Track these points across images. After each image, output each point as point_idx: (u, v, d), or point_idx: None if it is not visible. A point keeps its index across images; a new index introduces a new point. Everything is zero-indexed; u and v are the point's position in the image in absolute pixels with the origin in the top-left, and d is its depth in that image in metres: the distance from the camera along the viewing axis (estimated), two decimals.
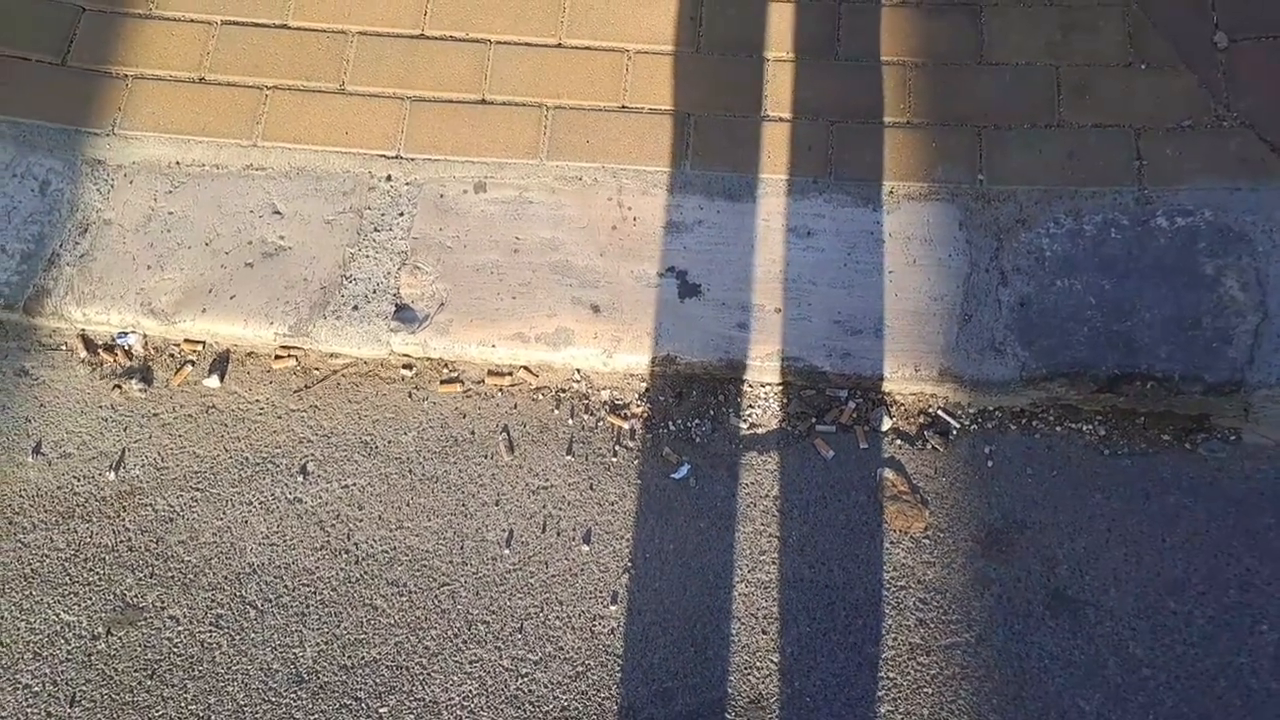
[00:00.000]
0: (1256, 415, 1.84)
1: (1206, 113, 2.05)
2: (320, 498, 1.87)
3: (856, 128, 2.10)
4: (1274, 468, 1.84)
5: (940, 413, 1.92)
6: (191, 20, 2.24)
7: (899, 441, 1.90)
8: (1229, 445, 1.86)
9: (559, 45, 2.21)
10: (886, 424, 1.91)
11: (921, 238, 2.00)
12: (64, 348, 2.02)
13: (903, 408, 1.93)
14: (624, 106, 2.14)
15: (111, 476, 1.89)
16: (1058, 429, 1.90)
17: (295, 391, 1.98)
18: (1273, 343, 1.83)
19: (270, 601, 1.78)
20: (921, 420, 1.92)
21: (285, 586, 1.79)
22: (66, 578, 1.80)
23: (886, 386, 1.92)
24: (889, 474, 1.87)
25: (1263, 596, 1.74)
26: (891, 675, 1.70)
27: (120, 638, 1.75)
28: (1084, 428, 1.90)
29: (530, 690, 1.70)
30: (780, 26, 2.19)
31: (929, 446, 1.89)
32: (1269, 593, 1.74)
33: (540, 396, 1.97)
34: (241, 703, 1.70)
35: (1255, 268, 1.90)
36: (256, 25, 2.24)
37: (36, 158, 2.12)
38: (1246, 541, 1.78)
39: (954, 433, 1.91)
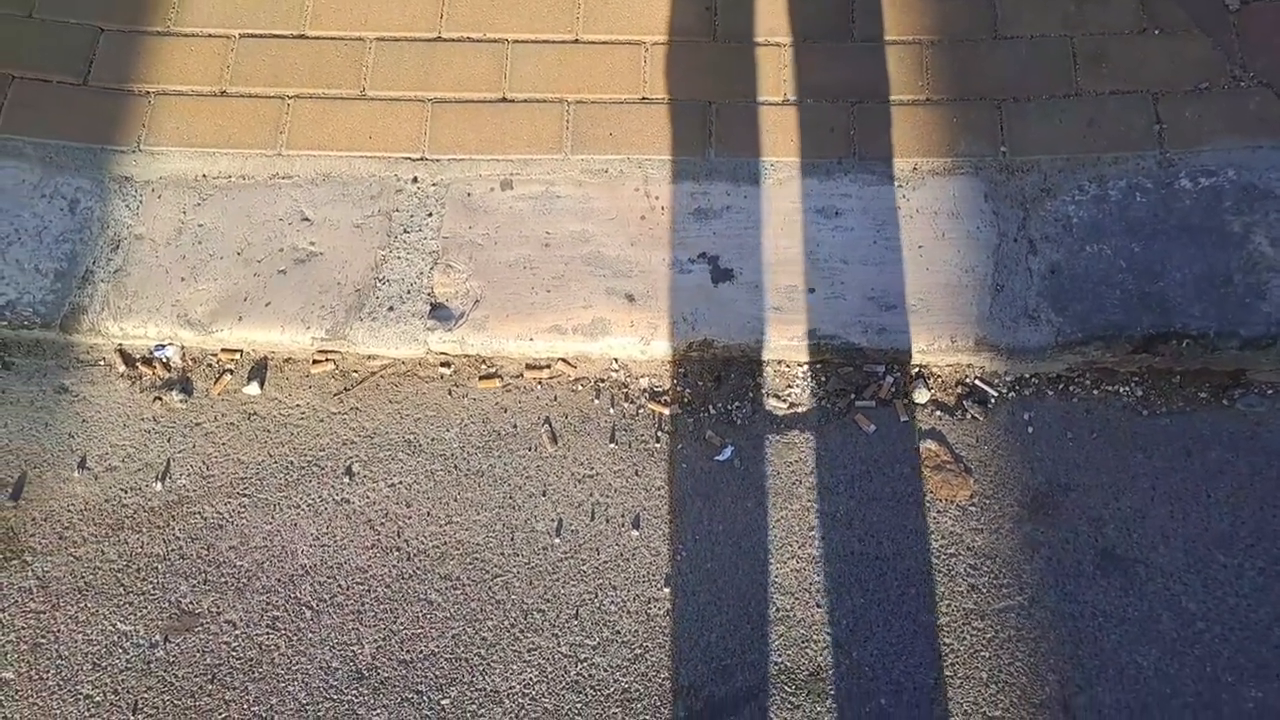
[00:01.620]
0: None
1: (1223, 74, 2.07)
2: (368, 497, 1.88)
3: (876, 107, 2.12)
4: None
5: (978, 382, 1.94)
6: (210, 35, 2.26)
7: (939, 413, 1.92)
8: (1266, 399, 1.88)
9: (576, 41, 2.23)
10: (925, 396, 1.93)
11: (948, 212, 2.02)
12: (102, 363, 2.04)
13: (940, 379, 1.95)
14: (644, 98, 2.16)
15: (158, 487, 1.90)
16: (1095, 392, 1.92)
17: (335, 394, 1.99)
18: None
19: (325, 601, 1.79)
20: (959, 391, 1.94)
21: (339, 586, 1.80)
22: (120, 588, 1.81)
23: (923, 359, 1.94)
24: (931, 445, 1.88)
25: None
26: (948, 641, 1.71)
27: (178, 644, 1.76)
28: (1121, 390, 1.91)
29: (590, 675, 1.71)
30: (793, 11, 2.21)
31: (969, 416, 1.91)
32: None
33: (580, 387, 1.98)
34: (304, 701, 1.71)
35: None
36: (274, 36, 2.26)
37: (64, 178, 2.13)
38: None
39: (992, 401, 1.92)
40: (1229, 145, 2.00)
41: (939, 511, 1.82)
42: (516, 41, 2.23)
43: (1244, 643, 1.68)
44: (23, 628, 1.78)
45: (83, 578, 1.82)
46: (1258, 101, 2.02)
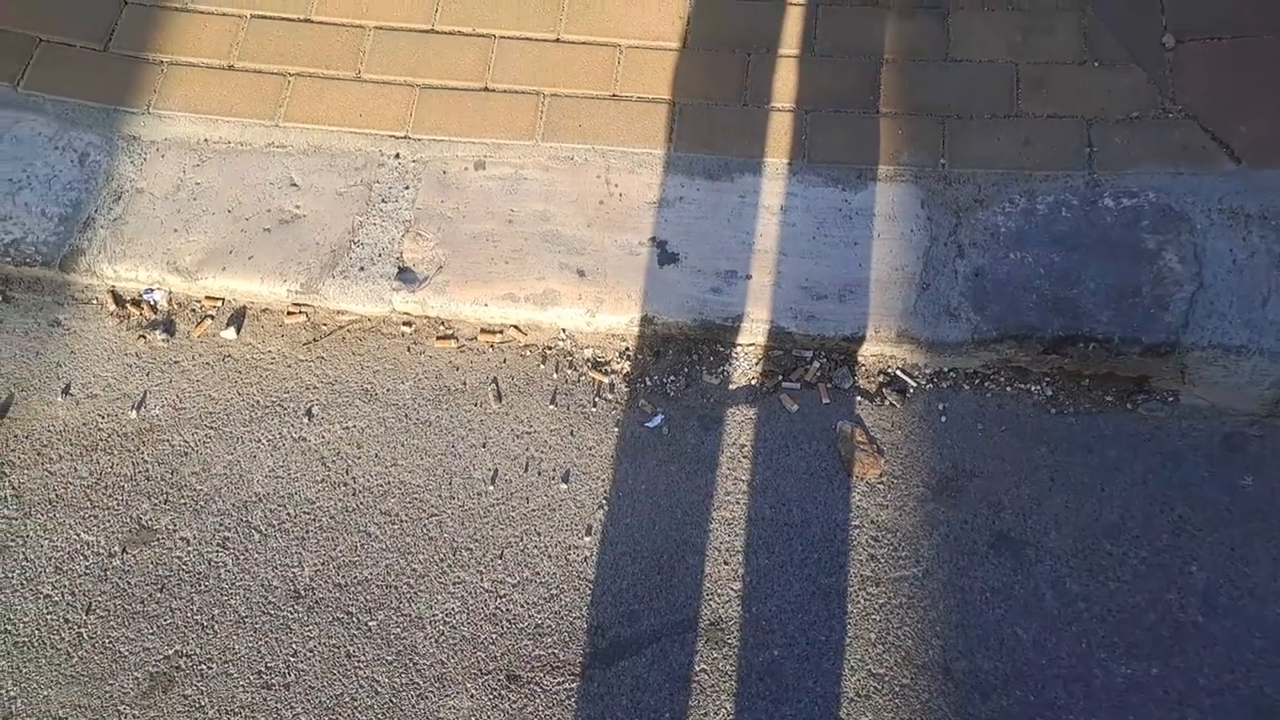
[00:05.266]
0: (1192, 377, 1.97)
1: (1153, 106, 2.20)
2: (323, 437, 2.03)
3: (829, 116, 2.27)
4: (1209, 425, 1.97)
5: (899, 372, 2.07)
6: (224, 14, 2.45)
7: (859, 398, 2.05)
8: (1167, 405, 2.00)
9: (557, 40, 2.40)
10: (848, 382, 2.06)
11: (886, 214, 2.16)
12: (95, 302, 2.21)
13: (864, 368, 2.08)
14: (615, 95, 2.33)
15: (133, 415, 2.06)
16: (1008, 389, 2.04)
17: (304, 344, 2.15)
18: (1207, 309, 1.97)
19: (273, 526, 1.93)
20: (881, 379, 2.07)
21: (288, 514, 1.95)
22: (88, 502, 1.97)
23: (848, 347, 2.07)
24: (848, 426, 2.01)
25: (1194, 541, 1.86)
26: (843, 603, 1.83)
27: (135, 555, 1.91)
28: (1032, 389, 2.04)
29: (507, 609, 1.84)
30: (761, 24, 2.37)
31: (887, 403, 2.04)
32: (1200, 538, 1.86)
33: (528, 353, 2.13)
34: (243, 614, 1.85)
35: (1194, 243, 2.04)
36: (282, 19, 2.45)
37: (77, 133, 2.32)
38: (1181, 492, 1.91)
39: (911, 391, 2.05)
40: (1152, 170, 2.13)
41: (849, 487, 1.95)
42: (503, 37, 2.41)
43: (1120, 624, 1.79)
44: None
45: (55, 491, 1.98)
46: (1183, 132, 2.16)
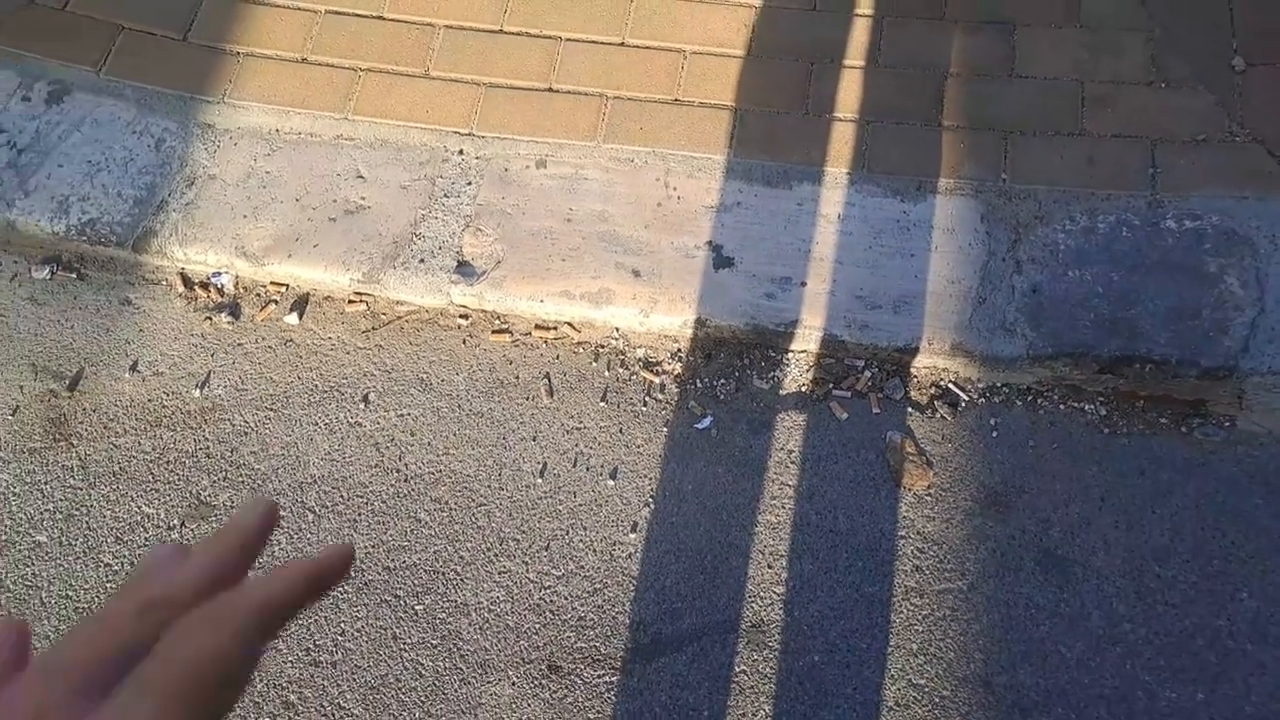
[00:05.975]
0: (1250, 402, 1.95)
1: (1220, 129, 2.18)
2: (378, 424, 2.07)
3: (891, 127, 2.28)
4: (1265, 453, 1.94)
5: (951, 385, 2.06)
6: (299, 8, 2.52)
7: (910, 409, 2.05)
8: (1223, 430, 1.97)
9: (622, 44, 2.43)
10: (899, 393, 2.06)
11: (944, 227, 2.16)
12: (164, 283, 2.27)
13: (916, 379, 2.08)
14: (677, 99, 2.35)
15: (197, 394, 2.12)
16: (1061, 407, 2.03)
17: (363, 332, 2.19)
18: (1267, 335, 1.95)
19: (326, 508, 1.98)
20: (933, 391, 2.07)
21: (341, 496, 1.99)
22: (150, 476, 2.02)
23: (901, 358, 2.07)
24: (898, 437, 2.01)
25: (1245, 568, 1.83)
26: (886, 613, 1.83)
27: (193, 529, 1.96)
28: (1086, 407, 2.02)
29: (551, 601, 1.87)
30: (825, 35, 2.39)
31: (938, 415, 2.03)
32: (1251, 565, 1.83)
33: (581, 350, 2.16)
34: None
35: (1256, 268, 2.02)
36: (356, 15, 2.51)
37: (155, 119, 2.39)
38: (1234, 518, 1.88)
39: (963, 404, 2.04)
40: (1217, 193, 2.11)
41: (897, 498, 1.95)
42: (569, 40, 2.45)
43: (1166, 647, 1.77)
44: (60, 500, 2.00)
45: (119, 463, 2.04)
46: (1249, 157, 2.13)
